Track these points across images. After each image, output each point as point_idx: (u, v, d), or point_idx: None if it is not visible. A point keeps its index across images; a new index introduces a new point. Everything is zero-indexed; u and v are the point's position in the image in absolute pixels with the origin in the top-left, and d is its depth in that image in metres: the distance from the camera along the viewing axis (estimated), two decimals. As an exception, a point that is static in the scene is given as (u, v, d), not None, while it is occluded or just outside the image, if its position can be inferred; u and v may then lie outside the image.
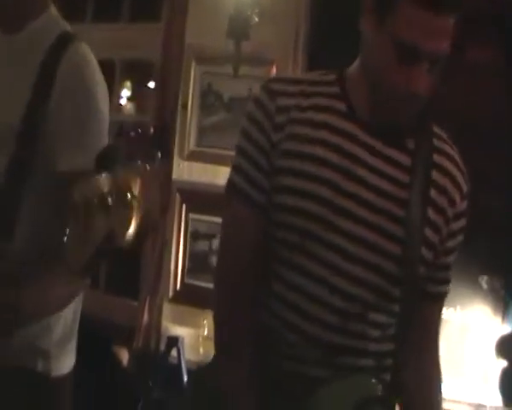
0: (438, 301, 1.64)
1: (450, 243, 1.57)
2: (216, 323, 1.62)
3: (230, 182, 1.58)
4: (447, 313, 2.14)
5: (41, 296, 1.84)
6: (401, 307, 1.50)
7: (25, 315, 1.80)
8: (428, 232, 1.51)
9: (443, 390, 1.65)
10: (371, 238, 1.47)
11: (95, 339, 3.02)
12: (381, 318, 1.52)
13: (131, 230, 1.47)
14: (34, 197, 1.84)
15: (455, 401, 3.13)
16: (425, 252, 1.51)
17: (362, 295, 1.48)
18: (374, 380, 1.51)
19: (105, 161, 1.32)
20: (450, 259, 1.60)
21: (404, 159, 1.51)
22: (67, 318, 2.05)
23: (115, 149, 1.33)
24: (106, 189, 1.40)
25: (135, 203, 1.41)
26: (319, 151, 1.49)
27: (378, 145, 1.50)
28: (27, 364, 1.98)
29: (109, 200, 1.40)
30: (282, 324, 1.53)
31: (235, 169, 1.58)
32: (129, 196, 1.40)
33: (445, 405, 1.67)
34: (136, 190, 1.40)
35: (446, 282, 1.62)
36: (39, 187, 1.84)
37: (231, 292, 1.58)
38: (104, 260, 1.57)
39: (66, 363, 2.07)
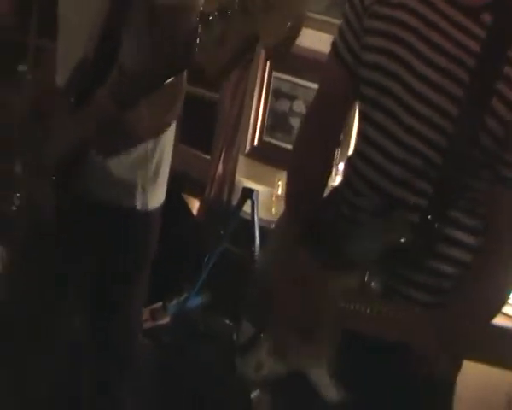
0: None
1: None
2: (290, 167, 1.73)
3: (333, 42, 1.67)
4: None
5: (144, 118, 1.90)
6: (443, 173, 1.50)
7: (130, 134, 1.87)
8: (497, 105, 1.47)
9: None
10: (437, 100, 1.49)
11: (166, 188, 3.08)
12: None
13: (278, 31, 1.49)
14: (135, 30, 1.88)
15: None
16: (490, 122, 1.47)
17: (424, 151, 1.50)
18: (411, 229, 1.50)
19: None
20: None
21: (480, 31, 1.49)
22: (160, 152, 2.11)
23: None
24: None
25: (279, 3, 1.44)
26: (399, 14, 1.53)
27: (456, 15, 1.50)
28: (125, 201, 2.07)
29: (249, 2, 1.44)
30: (353, 172, 1.61)
31: (339, 31, 1.66)
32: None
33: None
34: None
35: None
36: (139, 20, 1.88)
37: (311, 138, 1.69)
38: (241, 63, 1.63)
39: (159, 196, 2.15)
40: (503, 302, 1.59)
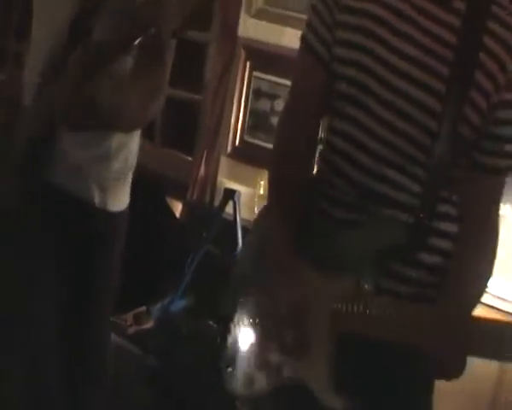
0: (491, 175, 1.57)
1: (502, 114, 1.52)
2: (271, 164, 1.70)
3: (302, 36, 1.64)
4: (503, 209, 2.06)
5: (117, 93, 1.90)
6: (433, 161, 1.49)
7: (101, 109, 1.86)
8: (475, 94, 1.48)
9: (489, 284, 1.61)
10: (416, 94, 1.48)
11: (148, 191, 3.06)
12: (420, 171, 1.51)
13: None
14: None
15: (503, 300, 2.99)
16: (469, 113, 1.48)
17: (402, 146, 1.50)
18: (401, 228, 1.49)
19: None
20: (504, 131, 1.54)
21: (453, 20, 1.49)
22: (126, 155, 2.10)
23: None
24: None
25: None
26: (371, 7, 1.52)
27: (427, 5, 1.50)
28: (86, 196, 2.05)
29: None
30: (332, 170, 1.59)
31: (307, 24, 1.63)
32: None
33: (492, 300, 1.64)
34: None
35: (500, 155, 1.55)
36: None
37: (290, 136, 1.66)
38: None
39: (121, 200, 2.13)
40: (484, 289, 1.60)
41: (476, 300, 1.58)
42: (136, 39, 1.86)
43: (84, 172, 2.04)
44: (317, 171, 1.67)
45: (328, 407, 1.45)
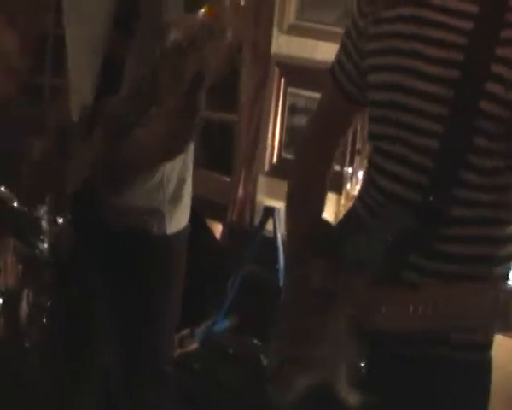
0: None
1: None
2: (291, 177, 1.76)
3: (332, 67, 1.66)
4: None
5: (141, 147, 1.90)
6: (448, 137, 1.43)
7: (130, 169, 1.87)
8: (495, 87, 1.40)
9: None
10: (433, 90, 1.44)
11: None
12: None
13: (222, 60, 1.53)
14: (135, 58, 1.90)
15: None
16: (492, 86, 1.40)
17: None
18: (410, 212, 1.44)
19: None
20: None
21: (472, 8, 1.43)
22: (179, 176, 2.09)
23: None
24: (196, 28, 1.46)
25: (223, 34, 1.48)
26: (398, 27, 1.48)
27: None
28: (142, 225, 2.05)
29: (199, 38, 1.47)
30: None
31: (336, 58, 1.65)
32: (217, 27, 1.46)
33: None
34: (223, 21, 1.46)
35: None
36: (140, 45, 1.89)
37: (307, 159, 1.73)
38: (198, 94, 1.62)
39: (180, 220, 2.13)
40: None
41: None
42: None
43: (138, 203, 2.04)
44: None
45: (347, 402, 1.44)
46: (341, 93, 1.63)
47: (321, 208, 1.70)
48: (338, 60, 1.64)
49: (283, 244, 3.52)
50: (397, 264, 1.45)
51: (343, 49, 1.62)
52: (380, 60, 1.51)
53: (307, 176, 1.72)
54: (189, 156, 2.16)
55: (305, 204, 1.68)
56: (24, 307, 3.02)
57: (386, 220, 1.47)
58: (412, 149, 1.46)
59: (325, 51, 3.40)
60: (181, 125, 1.84)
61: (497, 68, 1.39)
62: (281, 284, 3.39)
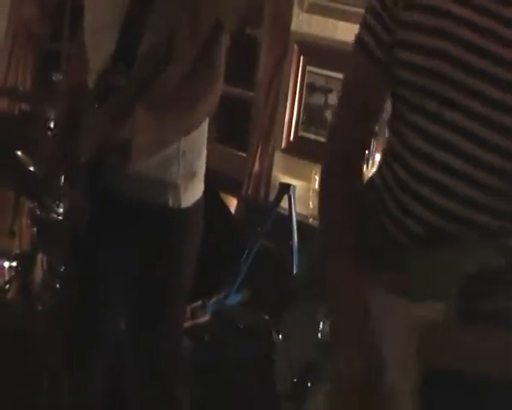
0: None
1: None
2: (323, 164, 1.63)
3: (357, 37, 1.54)
4: None
5: (153, 128, 1.90)
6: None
7: (139, 149, 1.87)
8: None
9: None
10: (497, 96, 1.35)
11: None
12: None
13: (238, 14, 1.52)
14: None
15: None
16: None
17: (492, 162, 1.36)
18: (494, 249, 1.35)
19: None
20: None
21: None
22: (194, 149, 2.11)
23: None
24: None
25: None
26: (447, 5, 1.38)
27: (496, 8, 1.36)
28: (158, 198, 2.07)
29: None
30: (397, 184, 1.47)
31: (361, 24, 1.53)
32: None
33: None
34: None
35: None
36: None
37: (342, 136, 1.57)
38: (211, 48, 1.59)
39: (194, 194, 2.15)
40: None
41: None
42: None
43: (154, 176, 2.05)
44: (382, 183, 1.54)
45: None
46: (370, 60, 1.50)
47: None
48: (365, 27, 1.51)
49: (298, 222, 3.54)
50: (469, 295, 1.35)
51: (371, 14, 1.50)
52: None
53: (345, 178, 1.55)
54: (204, 130, 2.18)
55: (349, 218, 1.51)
56: (37, 270, 3.07)
57: (467, 251, 1.37)
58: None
59: (345, 31, 3.41)
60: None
61: None
62: (294, 260, 3.41)
